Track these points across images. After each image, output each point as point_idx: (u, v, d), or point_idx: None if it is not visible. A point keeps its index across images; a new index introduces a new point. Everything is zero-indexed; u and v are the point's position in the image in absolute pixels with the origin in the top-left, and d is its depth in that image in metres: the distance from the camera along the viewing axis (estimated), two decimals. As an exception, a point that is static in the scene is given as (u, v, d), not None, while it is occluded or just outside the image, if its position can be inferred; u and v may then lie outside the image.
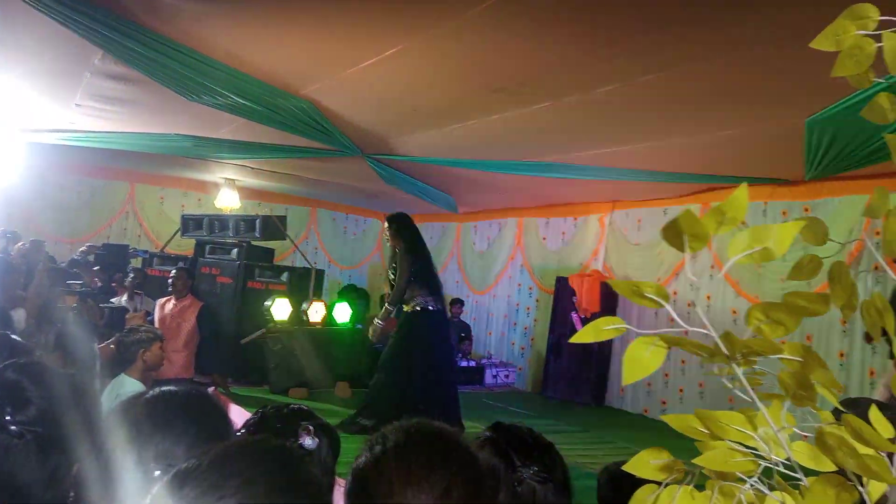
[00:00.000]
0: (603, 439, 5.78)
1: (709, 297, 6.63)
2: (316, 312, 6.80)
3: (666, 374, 6.93)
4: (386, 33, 3.32)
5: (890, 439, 0.85)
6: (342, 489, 1.09)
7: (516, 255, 9.14)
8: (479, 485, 1.06)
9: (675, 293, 6.80)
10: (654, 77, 3.55)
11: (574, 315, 7.54)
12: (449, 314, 9.14)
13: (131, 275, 6.75)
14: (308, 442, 1.31)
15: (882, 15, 0.83)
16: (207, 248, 7.31)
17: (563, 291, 7.80)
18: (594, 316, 6.73)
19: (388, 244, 5.52)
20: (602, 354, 7.47)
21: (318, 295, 7.19)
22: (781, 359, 0.72)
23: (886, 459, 0.82)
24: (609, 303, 7.24)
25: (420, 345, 5.18)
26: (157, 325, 5.99)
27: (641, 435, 5.77)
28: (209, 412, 1.08)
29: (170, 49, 3.81)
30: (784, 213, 6.01)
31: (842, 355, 5.50)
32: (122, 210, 9.44)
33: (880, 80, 0.86)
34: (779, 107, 3.88)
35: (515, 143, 5.27)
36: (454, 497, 1.01)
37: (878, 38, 0.83)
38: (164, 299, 6.19)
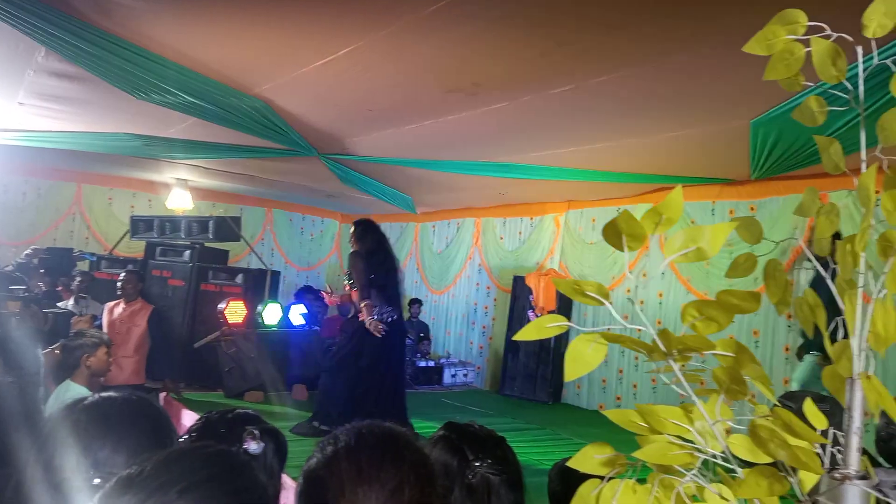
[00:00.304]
0: (559, 436, 5.85)
1: (661, 295, 6.78)
2: (271, 315, 6.71)
3: (620, 370, 7.06)
4: (340, 32, 3.30)
5: (823, 432, 0.89)
6: (293, 491, 1.09)
7: (474, 255, 9.19)
8: (430, 482, 1.07)
9: (628, 291, 6.92)
10: (605, 79, 3.62)
11: (531, 313, 7.62)
12: (407, 314, 9.16)
13: (78, 278, 6.55)
14: (253, 447, 1.29)
15: (810, 20, 0.86)
16: (158, 250, 7.13)
17: (520, 290, 7.88)
18: (551, 314, 6.81)
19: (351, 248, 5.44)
20: (559, 352, 7.57)
21: (273, 297, 7.10)
22: (715, 355, 0.74)
23: (819, 450, 0.86)
24: (565, 301, 7.34)
25: (368, 355, 5.13)
26: (105, 329, 5.81)
27: (596, 431, 5.86)
28: (149, 418, 1.06)
29: (117, 46, 3.70)
30: (731, 211, 6.18)
31: (787, 349, 5.68)
32: (68, 211, 9.15)
33: (810, 84, 0.89)
34: (725, 108, 3.99)
35: (472, 143, 5.30)
36: (406, 494, 1.01)
37: (807, 43, 0.86)
38: (113, 303, 6.02)
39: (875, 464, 2.91)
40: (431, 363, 8.44)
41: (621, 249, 0.67)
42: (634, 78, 3.59)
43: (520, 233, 8.62)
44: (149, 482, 0.83)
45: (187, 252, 6.88)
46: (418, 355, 8.43)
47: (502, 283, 8.59)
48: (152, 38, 3.63)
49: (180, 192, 8.66)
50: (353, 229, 5.32)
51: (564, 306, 7.27)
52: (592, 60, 3.41)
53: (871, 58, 0.83)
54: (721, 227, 0.67)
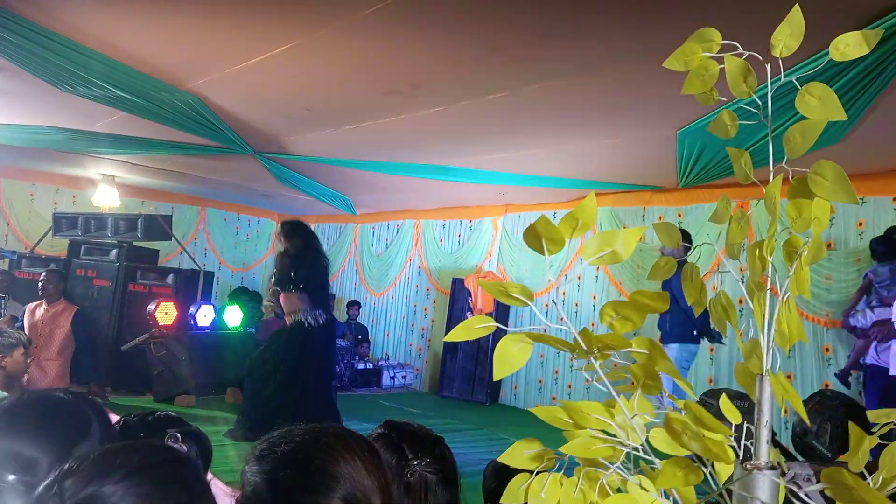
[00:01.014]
0: (496, 436, 5.94)
1: (594, 297, 6.97)
2: (204, 316, 6.54)
3: (556, 371, 7.21)
4: (277, 29, 3.26)
5: (738, 425, 0.95)
6: (229, 495, 1.07)
7: (414, 257, 9.20)
8: (384, 474, 1.09)
9: (563, 293, 7.09)
10: (539, 86, 3.70)
11: (469, 315, 7.70)
12: (345, 317, 9.09)
13: (-4, 277, 6.22)
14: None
15: (724, 39, 0.91)
16: (83, 248, 6.85)
17: (459, 292, 7.95)
18: (483, 315, 6.90)
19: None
20: (496, 354, 7.66)
21: (206, 298, 6.92)
22: (631, 352, 0.78)
23: (733, 443, 0.91)
24: (503, 303, 7.43)
25: (293, 359, 5.03)
26: (27, 331, 5.55)
27: (532, 430, 5.92)
28: (68, 418, 1.03)
29: (41, 36, 3.54)
30: (661, 217, 6.41)
31: (711, 350, 5.93)
32: (-14, 207, 8.66)
33: (723, 99, 0.95)
34: (654, 119, 4.14)
35: (410, 145, 5.31)
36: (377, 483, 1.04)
37: (721, 60, 0.92)
38: (35, 304, 5.74)
39: (791, 458, 3.08)
40: (370, 365, 8.40)
41: (542, 253, 0.70)
42: (567, 86, 3.69)
43: (459, 235, 8.69)
44: (90, 471, 0.81)
45: (114, 251, 6.64)
46: (356, 358, 8.37)
47: (441, 285, 8.64)
48: (79, 29, 3.49)
49: (107, 188, 8.33)
50: (280, 229, 5.29)
51: (502, 308, 7.37)
52: (527, 68, 3.48)
53: (779, 77, 0.89)
54: (632, 232, 0.71)
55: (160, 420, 1.47)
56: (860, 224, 5.04)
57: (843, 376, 4.16)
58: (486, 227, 8.31)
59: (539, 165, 5.63)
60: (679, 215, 6.25)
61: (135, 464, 0.84)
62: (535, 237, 0.69)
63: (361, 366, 8.26)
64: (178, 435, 1.28)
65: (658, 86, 3.56)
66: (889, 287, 4.03)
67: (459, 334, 0.83)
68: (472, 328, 0.83)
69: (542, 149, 5.10)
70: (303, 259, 5.10)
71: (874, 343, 4.02)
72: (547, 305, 7.29)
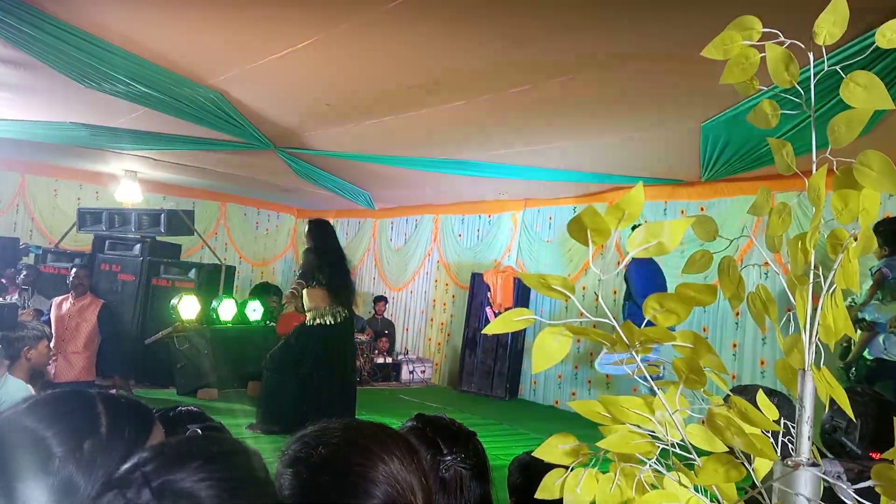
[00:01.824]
0: (516, 431, 5.92)
1: (615, 292, 6.92)
2: (226, 310, 6.60)
3: (575, 366, 7.18)
4: (298, 25, 3.26)
5: (775, 421, 0.93)
6: None
7: (433, 252, 9.20)
8: (424, 471, 1.09)
9: (583, 287, 7.05)
10: (562, 80, 3.67)
11: (488, 309, 7.68)
12: (372, 312, 9.11)
13: (24, 271, 6.31)
14: None
15: (764, 27, 0.89)
16: (107, 243, 6.93)
17: (478, 287, 7.93)
18: (507, 311, 6.88)
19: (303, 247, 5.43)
20: (515, 349, 7.65)
21: (228, 292, 6.97)
22: (674, 346, 0.77)
23: (771, 439, 0.90)
24: (522, 298, 7.42)
25: (309, 355, 5.12)
26: (53, 325, 5.65)
27: (552, 426, 5.93)
28: (75, 414, 1.04)
29: (65, 33, 3.58)
30: (682, 211, 6.35)
31: (735, 346, 5.87)
32: (11, 202, 8.80)
33: (764, 88, 0.93)
34: (677, 112, 4.09)
35: (430, 140, 5.31)
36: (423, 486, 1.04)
37: (762, 49, 0.90)
38: (61, 298, 5.83)
39: (820, 455, 3.04)
40: (389, 360, 8.42)
41: (586, 244, 0.69)
42: (590, 80, 3.66)
43: (478, 230, 8.67)
44: (170, 457, 0.86)
45: (138, 246, 6.71)
46: (376, 352, 8.40)
47: (460, 280, 8.63)
48: (102, 26, 3.52)
49: (129, 184, 8.42)
50: (306, 228, 5.36)
51: (521, 303, 7.35)
52: (549, 61, 3.45)
53: (822, 63, 0.87)
54: (679, 223, 0.70)
55: (182, 415, 1.48)
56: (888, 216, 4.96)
57: (847, 368, 4.12)
58: (505, 222, 8.28)
59: (559, 159, 5.59)
60: (701, 209, 6.18)
61: (213, 452, 0.89)
62: (581, 228, 0.68)
63: (381, 360, 8.29)
64: (199, 430, 1.28)
65: (681, 79, 3.52)
66: None
67: (499, 326, 0.83)
68: (511, 321, 0.82)
69: (562, 142, 5.06)
70: (327, 256, 5.21)
71: (881, 336, 3.98)
72: (566, 301, 7.26)
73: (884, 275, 4.01)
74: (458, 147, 5.48)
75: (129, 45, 3.77)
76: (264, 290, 8.64)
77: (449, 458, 1.41)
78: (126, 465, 0.85)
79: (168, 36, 3.65)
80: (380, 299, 9.21)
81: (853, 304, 4.09)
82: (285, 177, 7.50)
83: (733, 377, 5.71)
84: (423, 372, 8.53)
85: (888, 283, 4.00)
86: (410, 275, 9.47)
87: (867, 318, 3.99)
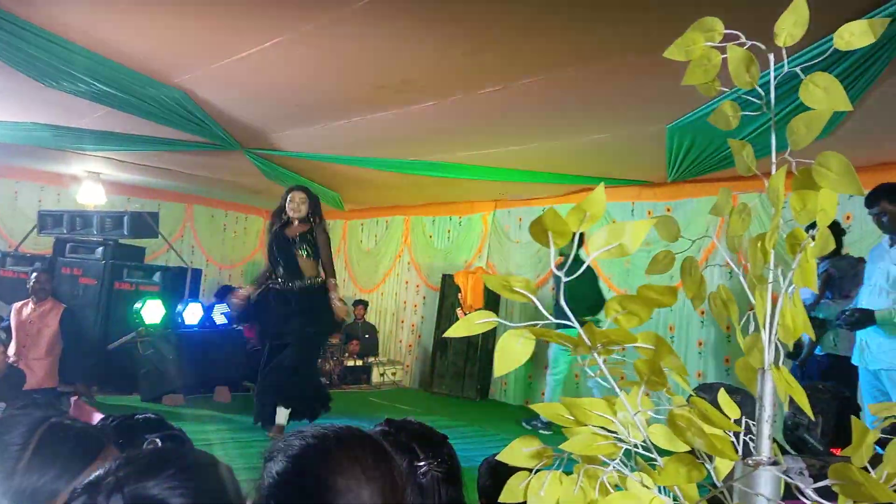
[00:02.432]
0: (486, 433, 5.93)
1: (585, 293, 6.97)
2: (192, 314, 6.48)
3: (544, 367, 7.21)
4: (265, 23, 3.22)
5: (736, 420, 0.93)
6: None
7: (403, 253, 9.17)
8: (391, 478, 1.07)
9: (552, 289, 7.09)
10: (531, 81, 3.68)
11: (459, 311, 7.68)
12: (352, 317, 9.02)
13: (-20, 276, 6.13)
14: None
15: (728, 29, 0.90)
16: (68, 246, 6.76)
17: (448, 289, 7.93)
18: (479, 311, 6.89)
19: (297, 215, 4.88)
20: (486, 350, 7.66)
21: (194, 296, 6.86)
22: (636, 347, 0.77)
23: (732, 438, 0.90)
24: (492, 299, 7.43)
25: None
26: (14, 330, 5.49)
27: (521, 428, 5.98)
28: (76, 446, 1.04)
29: (24, 31, 3.48)
30: (650, 212, 6.42)
31: (700, 344, 5.96)
32: (-32, 205, 8.54)
33: (726, 90, 0.94)
34: (643, 113, 4.14)
35: (400, 141, 5.29)
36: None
37: (723, 50, 0.90)
38: (21, 303, 5.67)
39: (783, 451, 3.10)
40: (359, 362, 8.37)
41: (548, 246, 0.68)
42: (559, 81, 3.68)
43: (449, 231, 8.66)
44: (144, 465, 0.88)
45: (100, 249, 6.56)
46: (346, 355, 8.34)
47: (431, 282, 8.62)
48: (63, 23, 3.43)
49: (92, 185, 8.22)
50: (308, 198, 4.96)
51: (491, 304, 7.36)
52: (518, 62, 3.46)
53: (783, 66, 0.88)
54: (641, 224, 0.70)
55: (139, 423, 1.44)
56: (848, 217, 5.08)
57: (802, 366, 4.24)
58: (475, 223, 8.29)
59: (528, 161, 5.62)
60: (668, 209, 6.26)
61: (184, 462, 0.91)
62: (542, 230, 0.67)
63: (351, 363, 8.23)
64: (158, 440, 1.25)
65: (647, 80, 3.55)
66: (850, 280, 4.11)
67: (461, 330, 0.81)
68: (473, 323, 0.81)
69: (532, 144, 5.09)
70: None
71: (831, 334, 4.12)
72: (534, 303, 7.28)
73: (830, 275, 4.15)
74: (428, 148, 5.47)
75: (91, 44, 3.68)
76: (230, 293, 8.51)
77: (424, 464, 1.40)
78: (99, 472, 0.86)
79: (131, 34, 3.57)
80: (360, 303, 9.14)
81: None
82: (253, 178, 7.41)
83: (699, 375, 5.80)
84: (394, 374, 8.49)
85: (835, 283, 4.14)
86: (381, 276, 9.43)
87: (820, 316, 4.11)
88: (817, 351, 4.21)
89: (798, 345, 4.30)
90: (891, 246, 3.46)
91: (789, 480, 0.80)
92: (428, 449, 1.43)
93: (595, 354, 0.78)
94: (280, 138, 5.50)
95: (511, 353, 0.80)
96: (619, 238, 0.69)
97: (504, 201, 7.94)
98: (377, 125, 4.81)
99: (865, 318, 3.40)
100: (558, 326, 0.84)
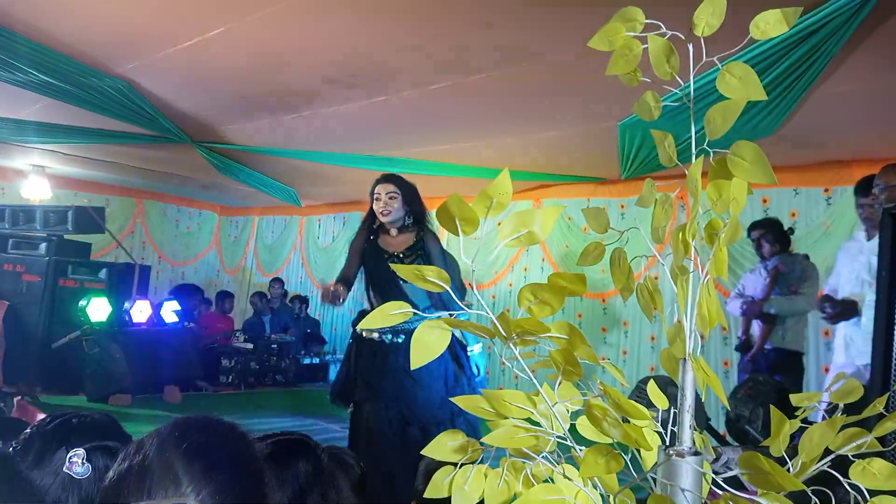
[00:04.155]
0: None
1: (540, 288, 7.02)
2: (140, 312, 6.31)
3: (503, 363, 7.24)
4: (208, 12, 3.13)
5: (664, 411, 0.93)
6: None
7: (360, 250, 9.08)
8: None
9: (510, 284, 7.12)
10: (482, 77, 3.67)
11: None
12: (296, 311, 8.92)
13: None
14: (78, 470, 1.15)
15: (647, 19, 0.90)
16: (10, 242, 6.51)
17: (405, 284, 7.89)
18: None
19: (390, 218, 3.31)
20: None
21: (142, 293, 6.67)
22: (550, 337, 0.76)
23: (660, 429, 0.90)
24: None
25: None
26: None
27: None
28: None
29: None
30: (604, 209, 6.50)
31: (653, 339, 6.06)
32: None
33: (646, 79, 0.93)
34: (595, 110, 4.17)
35: (353, 135, 5.22)
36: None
37: (644, 40, 0.90)
38: (-43, 301, 5.45)
39: (724, 443, 3.15)
40: (316, 360, 8.27)
41: (455, 233, 0.67)
42: (511, 77, 3.67)
43: (406, 227, 8.62)
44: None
45: (43, 245, 6.33)
46: (302, 352, 8.24)
47: (388, 278, 8.56)
48: (2, 12, 3.29)
49: (37, 179, 7.94)
50: (393, 187, 3.38)
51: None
52: (469, 57, 3.45)
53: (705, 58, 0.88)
54: (551, 211, 0.69)
55: (81, 425, 1.36)
56: (793, 214, 5.22)
57: (752, 361, 4.33)
58: (431, 219, 8.26)
59: (482, 157, 5.61)
60: (622, 206, 6.35)
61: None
62: (449, 217, 0.65)
63: (308, 360, 8.13)
64: (84, 452, 1.17)
65: (598, 76, 3.58)
66: (798, 276, 4.21)
67: (375, 321, 0.79)
68: (388, 314, 0.79)
69: (485, 140, 5.09)
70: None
71: (779, 329, 4.22)
72: (494, 297, 7.31)
73: (779, 270, 4.25)
74: (381, 143, 5.42)
75: (30, 32, 3.54)
76: (184, 290, 8.33)
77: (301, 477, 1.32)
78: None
79: (72, 23, 3.44)
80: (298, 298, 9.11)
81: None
82: (206, 172, 7.25)
83: (651, 369, 5.90)
84: (351, 371, 8.41)
85: (783, 278, 4.24)
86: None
87: (771, 311, 4.20)
88: (766, 345, 4.30)
89: (749, 340, 4.39)
90: (868, 239, 3.47)
91: (704, 472, 0.80)
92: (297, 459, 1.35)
93: (510, 344, 0.77)
94: (230, 131, 5.38)
95: (427, 344, 0.79)
96: (528, 225, 0.68)
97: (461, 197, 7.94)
98: (328, 119, 4.74)
99: (848, 311, 3.39)
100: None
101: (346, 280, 3.46)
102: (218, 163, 6.51)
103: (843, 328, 3.52)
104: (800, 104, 3.62)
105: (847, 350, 3.49)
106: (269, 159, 6.33)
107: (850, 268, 3.56)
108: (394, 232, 3.38)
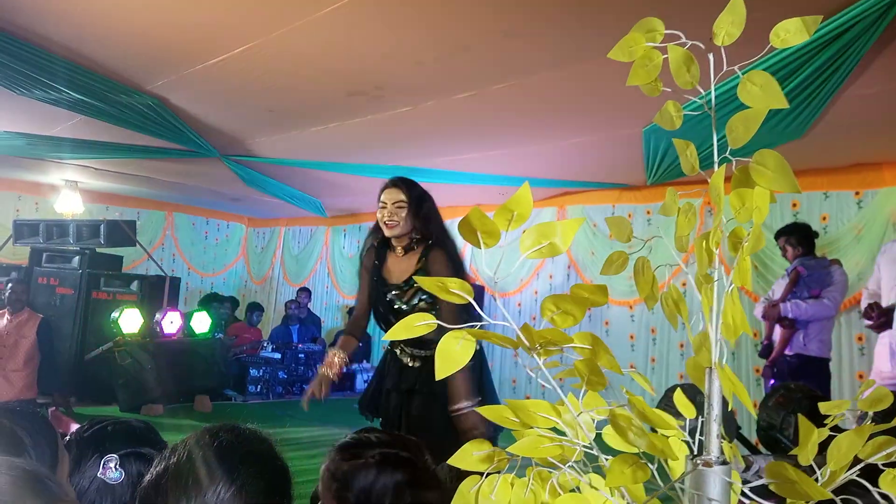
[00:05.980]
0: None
1: (566, 296, 6.98)
2: (171, 323, 6.42)
3: (530, 370, 7.21)
4: (234, 29, 3.20)
5: (692, 420, 0.93)
6: None
7: (385, 259, 9.12)
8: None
9: (535, 292, 7.10)
10: (507, 85, 3.68)
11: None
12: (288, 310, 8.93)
13: (-47, 287, 6.02)
14: (112, 475, 1.17)
15: (667, 29, 0.90)
16: (45, 256, 6.68)
17: (431, 294, 7.89)
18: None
19: (397, 231, 2.72)
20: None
21: (173, 304, 6.79)
22: (573, 347, 0.76)
23: (688, 438, 0.90)
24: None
25: None
26: (-10, 342, 5.39)
27: (504, 432, 5.95)
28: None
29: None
30: (630, 215, 6.44)
31: (681, 346, 5.99)
32: (-57, 215, 8.42)
33: (667, 89, 0.94)
34: (620, 116, 4.15)
35: (377, 146, 5.27)
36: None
37: (664, 50, 0.91)
38: (-4, 314, 5.58)
39: (755, 452, 3.10)
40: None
41: (478, 246, 0.68)
42: (533, 85, 3.68)
43: (430, 236, 8.64)
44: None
45: (77, 258, 6.48)
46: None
47: (413, 287, 8.58)
48: (31, 31, 3.39)
49: (70, 194, 8.14)
50: (403, 196, 2.72)
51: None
52: (492, 67, 3.47)
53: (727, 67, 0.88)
54: (571, 223, 0.69)
55: (107, 435, 1.39)
56: (824, 218, 5.13)
57: (772, 366, 4.24)
58: (456, 228, 8.27)
59: (507, 165, 5.62)
60: (648, 212, 6.30)
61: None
62: (471, 230, 0.66)
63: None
64: (116, 457, 1.20)
65: (622, 83, 3.56)
66: (819, 280, 4.11)
67: (399, 333, 0.81)
68: (412, 326, 0.80)
69: (509, 148, 5.09)
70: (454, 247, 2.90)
71: (801, 333, 4.12)
72: (520, 305, 7.29)
73: (799, 273, 4.15)
74: (405, 154, 5.46)
75: (64, 52, 3.65)
76: (214, 301, 8.45)
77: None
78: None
79: (102, 41, 3.54)
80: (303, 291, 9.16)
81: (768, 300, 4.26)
82: (233, 185, 7.37)
83: (680, 377, 5.82)
84: (378, 380, 8.43)
85: (804, 282, 4.15)
86: (364, 283, 9.38)
87: (787, 315, 4.11)
88: (787, 351, 4.21)
89: (771, 345, 4.31)
90: None
91: (730, 480, 0.79)
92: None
93: (535, 355, 0.78)
94: (257, 144, 5.47)
95: (451, 354, 0.80)
96: (550, 237, 0.68)
97: (484, 206, 7.95)
98: (353, 131, 4.79)
99: (892, 319, 3.28)
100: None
101: (356, 324, 3.23)
102: (245, 175, 6.62)
103: (887, 336, 3.39)
104: (828, 106, 3.57)
105: (893, 358, 3.35)
106: (296, 171, 6.42)
107: (891, 273, 3.44)
108: (400, 251, 2.80)
